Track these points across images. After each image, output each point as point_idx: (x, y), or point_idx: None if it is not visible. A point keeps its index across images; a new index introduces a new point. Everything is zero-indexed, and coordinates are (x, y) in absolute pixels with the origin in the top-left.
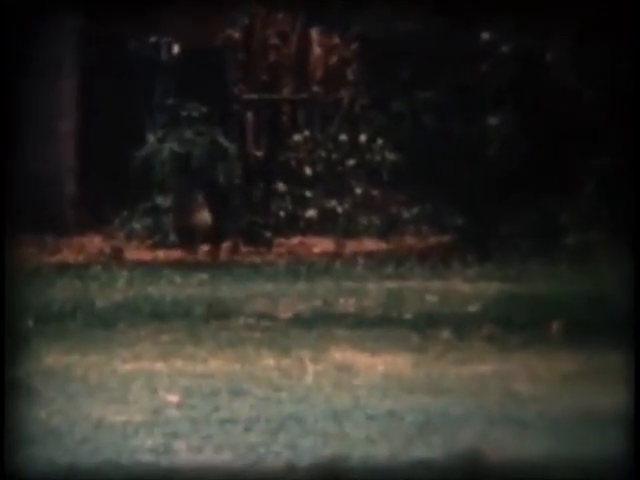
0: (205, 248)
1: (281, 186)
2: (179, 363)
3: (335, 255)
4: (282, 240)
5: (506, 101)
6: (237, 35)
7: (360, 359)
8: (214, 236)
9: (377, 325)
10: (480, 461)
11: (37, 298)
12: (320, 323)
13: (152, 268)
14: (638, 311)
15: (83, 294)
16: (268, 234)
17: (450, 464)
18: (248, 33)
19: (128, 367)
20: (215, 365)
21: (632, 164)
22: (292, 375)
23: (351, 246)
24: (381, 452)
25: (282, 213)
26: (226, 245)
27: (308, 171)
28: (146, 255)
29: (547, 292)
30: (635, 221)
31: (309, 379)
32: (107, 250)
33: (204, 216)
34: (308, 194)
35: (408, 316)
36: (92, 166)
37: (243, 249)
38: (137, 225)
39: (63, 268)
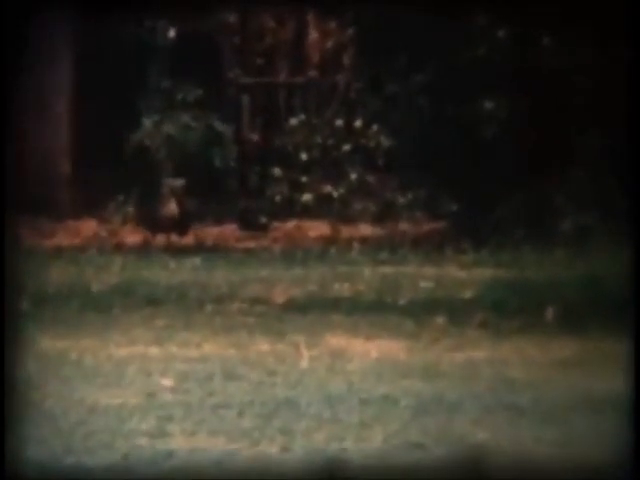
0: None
1: (277, 170)
2: (173, 347)
3: (330, 240)
4: (277, 224)
5: (502, 85)
6: (233, 19)
7: (354, 344)
8: (180, 225)
9: (372, 310)
10: (473, 448)
11: (32, 281)
12: (315, 308)
13: (147, 252)
14: (637, 296)
15: (78, 278)
16: (263, 219)
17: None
18: (244, 17)
19: (123, 351)
20: (209, 350)
21: (628, 147)
22: (286, 360)
23: (346, 231)
24: (375, 436)
25: (278, 197)
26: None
27: (304, 156)
28: (141, 239)
29: (542, 278)
30: (632, 205)
31: (303, 364)
32: (102, 234)
33: (171, 206)
34: (304, 179)
35: (403, 302)
36: (88, 150)
37: (238, 234)
38: (132, 209)
39: (58, 251)
